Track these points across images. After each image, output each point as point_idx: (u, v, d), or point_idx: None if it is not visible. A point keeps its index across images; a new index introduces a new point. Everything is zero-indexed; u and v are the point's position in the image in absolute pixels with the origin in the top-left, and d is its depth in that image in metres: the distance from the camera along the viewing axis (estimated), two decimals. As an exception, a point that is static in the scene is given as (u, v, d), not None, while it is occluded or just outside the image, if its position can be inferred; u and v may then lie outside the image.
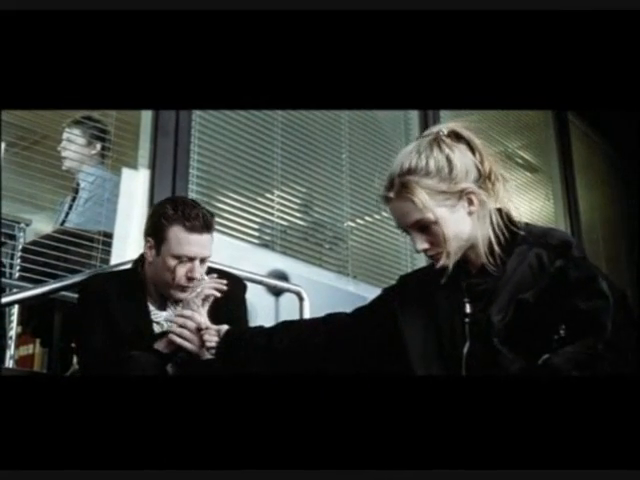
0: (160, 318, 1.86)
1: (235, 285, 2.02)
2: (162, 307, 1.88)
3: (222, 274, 2.01)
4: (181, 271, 1.81)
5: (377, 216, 3.53)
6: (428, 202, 1.32)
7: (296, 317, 2.49)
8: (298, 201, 3.22)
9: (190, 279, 1.80)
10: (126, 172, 2.71)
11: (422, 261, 3.50)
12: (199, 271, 1.81)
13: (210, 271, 1.94)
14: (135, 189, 2.66)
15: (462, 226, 1.35)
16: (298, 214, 3.20)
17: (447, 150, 1.35)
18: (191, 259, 1.80)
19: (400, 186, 1.35)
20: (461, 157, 1.35)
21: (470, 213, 1.36)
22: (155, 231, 1.83)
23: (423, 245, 1.36)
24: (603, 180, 5.40)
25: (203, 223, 1.81)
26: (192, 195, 2.70)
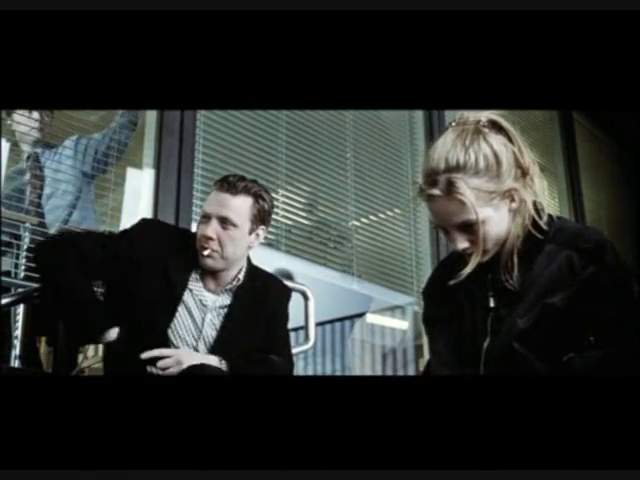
0: (204, 298, 1.83)
1: (280, 292, 1.98)
2: (212, 291, 1.84)
3: (269, 278, 1.98)
4: (199, 231, 1.79)
5: (382, 215, 3.52)
6: (476, 202, 1.27)
7: (301, 316, 2.49)
8: (303, 200, 3.21)
9: (205, 238, 1.76)
10: (131, 171, 2.71)
11: (426, 260, 3.51)
12: (213, 229, 1.75)
13: (256, 271, 1.92)
14: (140, 188, 2.66)
15: (503, 224, 1.32)
16: (303, 213, 3.20)
17: (495, 145, 1.29)
18: (208, 217, 1.77)
19: (447, 184, 1.27)
20: (506, 153, 1.30)
21: (510, 210, 1.32)
22: None
23: (464, 244, 1.31)
24: (609, 179, 5.38)
25: (233, 185, 1.77)
26: (196, 194, 2.70)
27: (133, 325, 1.75)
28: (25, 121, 2.63)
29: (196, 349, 1.78)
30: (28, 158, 2.68)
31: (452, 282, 1.34)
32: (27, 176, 2.66)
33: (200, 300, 1.82)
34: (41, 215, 2.57)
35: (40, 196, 2.63)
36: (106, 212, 2.60)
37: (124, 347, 1.73)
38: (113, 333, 1.74)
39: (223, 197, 1.77)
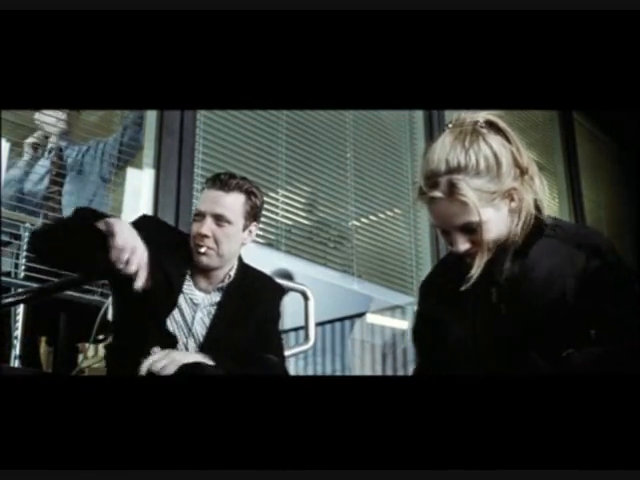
0: (195, 297, 1.82)
1: (272, 291, 1.96)
2: (203, 289, 1.84)
3: (261, 276, 1.97)
4: (193, 229, 1.79)
5: (382, 215, 3.52)
6: (478, 203, 1.27)
7: (301, 316, 2.49)
8: (303, 200, 3.21)
9: (200, 236, 1.76)
10: (131, 171, 2.71)
11: (426, 260, 3.51)
12: (208, 226, 1.76)
13: (247, 269, 1.92)
14: (140, 188, 2.66)
15: (503, 224, 1.32)
16: (303, 213, 3.20)
17: (494, 146, 1.30)
18: (202, 215, 1.78)
19: (448, 186, 1.27)
20: (505, 153, 1.31)
21: (510, 210, 1.33)
22: None
23: (465, 245, 1.31)
24: (609, 179, 5.38)
25: (225, 183, 1.78)
26: (196, 194, 2.70)
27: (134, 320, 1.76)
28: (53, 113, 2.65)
29: (186, 347, 1.78)
30: (50, 151, 2.69)
31: (463, 288, 1.33)
32: (47, 167, 2.67)
33: (191, 299, 1.82)
34: (57, 209, 2.58)
35: (60, 191, 2.64)
36: (106, 212, 2.60)
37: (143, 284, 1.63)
38: (118, 219, 1.69)
39: (216, 195, 1.79)
